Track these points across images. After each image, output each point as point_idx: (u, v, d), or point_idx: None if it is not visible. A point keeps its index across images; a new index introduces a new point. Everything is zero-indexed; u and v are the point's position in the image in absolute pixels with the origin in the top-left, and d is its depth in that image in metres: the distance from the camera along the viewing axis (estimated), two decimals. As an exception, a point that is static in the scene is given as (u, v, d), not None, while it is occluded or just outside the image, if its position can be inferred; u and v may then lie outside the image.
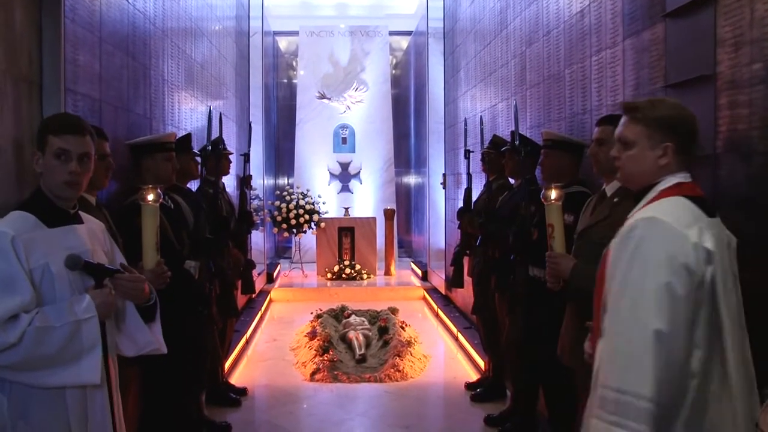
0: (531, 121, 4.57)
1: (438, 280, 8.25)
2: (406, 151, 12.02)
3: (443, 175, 8.02)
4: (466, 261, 4.92)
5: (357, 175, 10.75)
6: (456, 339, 6.17)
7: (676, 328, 1.59)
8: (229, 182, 5.88)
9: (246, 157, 5.25)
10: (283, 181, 12.02)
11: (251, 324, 6.46)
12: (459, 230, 4.94)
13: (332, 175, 10.75)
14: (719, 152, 2.33)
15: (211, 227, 3.90)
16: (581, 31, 3.67)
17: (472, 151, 5.13)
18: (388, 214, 9.75)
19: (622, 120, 1.87)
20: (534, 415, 3.80)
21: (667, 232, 1.65)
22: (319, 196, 9.71)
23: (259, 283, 8.02)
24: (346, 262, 9.21)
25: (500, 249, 4.05)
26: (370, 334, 5.97)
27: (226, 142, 4.88)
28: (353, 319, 6.41)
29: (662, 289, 1.61)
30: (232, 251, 4.49)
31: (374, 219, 9.65)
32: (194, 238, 3.53)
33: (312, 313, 6.88)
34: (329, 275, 9.13)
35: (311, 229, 9.38)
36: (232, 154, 5.08)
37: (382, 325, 6.16)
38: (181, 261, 3.24)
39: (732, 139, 2.25)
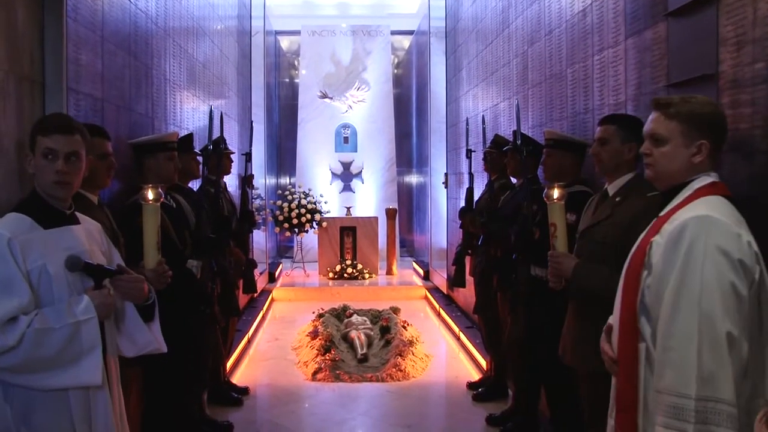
0: (533, 120, 4.57)
1: (440, 279, 8.25)
2: (408, 150, 12.02)
3: (445, 174, 8.02)
4: (467, 260, 4.91)
5: (359, 174, 10.75)
6: (458, 338, 6.17)
7: (741, 328, 1.57)
8: (231, 182, 5.88)
9: (248, 157, 5.26)
10: (285, 180, 12.02)
11: (253, 323, 6.47)
12: (461, 230, 4.94)
13: (334, 174, 10.75)
14: (721, 151, 2.32)
15: (212, 227, 3.90)
16: (583, 31, 3.67)
17: (474, 151, 5.13)
18: (390, 214, 9.75)
19: (653, 116, 1.83)
20: (536, 415, 3.80)
21: (723, 231, 1.62)
22: (321, 196, 9.71)
23: (261, 282, 8.03)
24: (348, 262, 9.21)
25: (502, 248, 4.05)
26: (372, 333, 5.97)
27: (227, 142, 4.89)
28: (355, 318, 6.41)
29: (728, 289, 1.57)
30: (233, 250, 4.50)
31: (376, 218, 9.65)
32: (196, 238, 3.53)
33: (314, 312, 6.88)
34: (331, 275, 9.13)
35: (313, 229, 9.38)
36: (233, 153, 5.09)
37: (384, 325, 6.16)
38: (183, 260, 3.24)
39: (734, 139, 2.24)
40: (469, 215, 4.62)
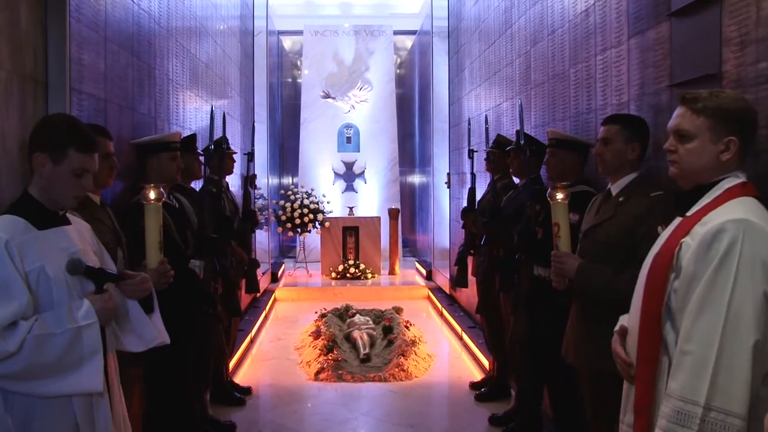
0: (535, 120, 4.57)
1: (442, 279, 8.24)
2: (411, 150, 12.01)
3: (448, 174, 8.01)
4: (470, 260, 4.91)
5: (361, 174, 10.74)
6: (460, 338, 6.17)
7: (765, 338, 1.50)
8: (234, 181, 5.89)
9: (249, 156, 5.26)
10: (287, 180, 12.02)
11: (256, 323, 6.47)
12: (463, 230, 4.93)
13: (336, 174, 10.75)
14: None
15: (214, 226, 3.91)
16: (586, 30, 3.66)
17: (476, 151, 5.12)
18: (393, 214, 9.75)
19: (679, 111, 1.76)
20: (538, 415, 3.79)
21: (763, 237, 1.55)
22: (324, 196, 9.71)
23: (264, 282, 8.03)
24: (351, 262, 9.22)
25: (504, 248, 4.04)
26: (375, 333, 5.97)
27: (230, 142, 4.89)
28: (357, 318, 6.41)
29: (761, 299, 1.51)
30: (236, 250, 4.50)
31: (378, 218, 9.65)
32: (198, 238, 3.54)
33: (316, 312, 6.88)
34: (333, 275, 9.13)
35: (316, 229, 9.38)
36: (235, 153, 5.09)
37: (387, 325, 6.15)
38: (185, 260, 3.24)
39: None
40: (472, 215, 4.62)
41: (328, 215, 9.47)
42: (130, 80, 3.59)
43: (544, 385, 3.64)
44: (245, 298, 6.33)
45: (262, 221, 7.77)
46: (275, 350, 6.01)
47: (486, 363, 5.08)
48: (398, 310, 6.91)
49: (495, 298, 4.35)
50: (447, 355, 5.95)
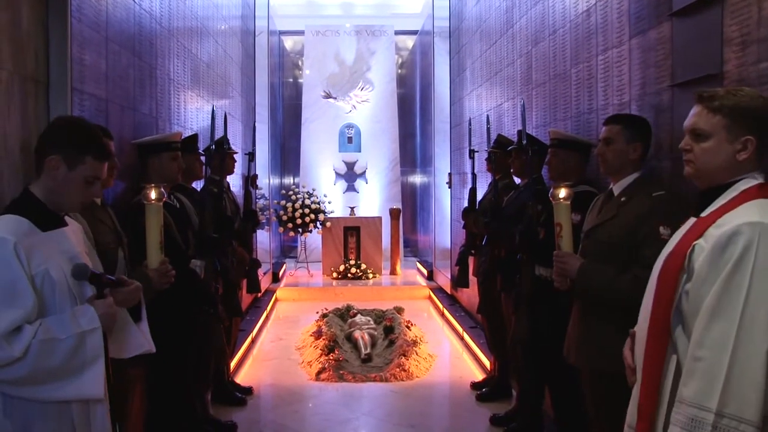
0: (537, 120, 4.56)
1: (443, 279, 8.24)
2: (412, 150, 12.01)
3: (449, 174, 8.01)
4: (471, 260, 4.91)
5: (362, 174, 10.74)
6: (461, 338, 6.17)
7: None
8: (235, 181, 5.89)
9: (251, 156, 5.26)
10: (288, 180, 12.02)
11: (257, 323, 6.47)
12: (464, 230, 4.93)
13: (338, 174, 10.74)
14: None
15: (215, 226, 3.91)
16: (587, 30, 3.66)
17: (477, 151, 5.12)
18: (394, 214, 9.75)
19: (695, 109, 1.72)
20: (540, 415, 3.79)
21: None
22: (325, 196, 9.72)
23: (265, 282, 8.03)
24: (352, 262, 9.21)
25: (505, 248, 4.04)
26: (376, 333, 5.97)
27: (231, 142, 4.89)
28: (359, 318, 6.41)
29: None
30: (237, 250, 4.50)
31: (380, 218, 9.65)
32: (199, 238, 3.54)
33: (317, 312, 6.88)
34: (335, 274, 9.13)
35: (317, 229, 9.39)
36: (236, 153, 5.09)
37: (388, 325, 6.15)
38: (186, 260, 3.24)
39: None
40: (473, 215, 4.62)
41: (329, 215, 9.47)
42: (132, 80, 3.59)
43: (546, 385, 3.64)
44: (246, 298, 6.33)
45: (263, 221, 7.76)
46: (276, 350, 6.01)
47: (487, 363, 5.08)
48: (399, 310, 6.90)
49: (496, 298, 4.35)
50: (448, 355, 5.95)
